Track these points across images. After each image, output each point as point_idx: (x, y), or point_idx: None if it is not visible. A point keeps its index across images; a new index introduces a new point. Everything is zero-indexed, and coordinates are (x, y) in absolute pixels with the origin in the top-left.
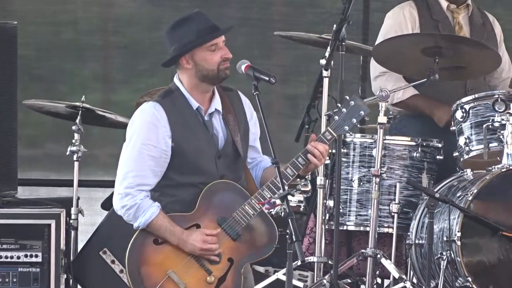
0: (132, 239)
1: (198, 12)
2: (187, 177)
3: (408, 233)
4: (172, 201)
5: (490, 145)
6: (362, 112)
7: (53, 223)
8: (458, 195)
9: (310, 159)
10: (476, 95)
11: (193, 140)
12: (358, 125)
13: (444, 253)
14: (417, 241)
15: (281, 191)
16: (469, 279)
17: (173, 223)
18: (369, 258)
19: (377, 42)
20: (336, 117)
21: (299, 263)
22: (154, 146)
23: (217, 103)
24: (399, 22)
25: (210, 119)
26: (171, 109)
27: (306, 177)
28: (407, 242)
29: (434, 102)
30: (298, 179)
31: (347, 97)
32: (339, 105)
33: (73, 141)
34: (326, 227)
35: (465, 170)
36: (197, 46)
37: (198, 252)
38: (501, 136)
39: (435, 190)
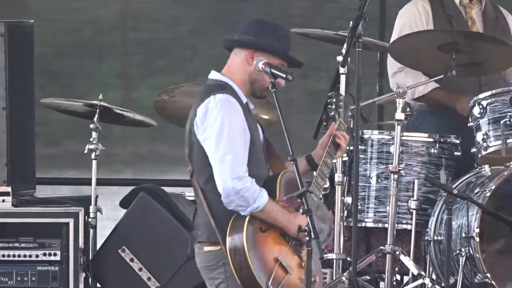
0: (244, 231)
1: (288, 30)
2: (252, 169)
3: (427, 230)
4: None
5: (508, 141)
6: (352, 106)
7: (71, 221)
8: (476, 191)
9: (339, 142)
10: (493, 91)
11: (253, 132)
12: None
13: (463, 249)
14: (435, 238)
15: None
16: (488, 275)
17: (281, 207)
18: (388, 254)
19: (392, 39)
20: (341, 110)
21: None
22: (244, 134)
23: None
24: (414, 17)
25: (251, 114)
26: (237, 100)
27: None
28: (426, 238)
29: (455, 93)
30: (326, 169)
31: (333, 93)
32: (335, 100)
33: (91, 139)
34: (345, 224)
35: (483, 166)
36: (274, 55)
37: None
38: None
39: (453, 186)
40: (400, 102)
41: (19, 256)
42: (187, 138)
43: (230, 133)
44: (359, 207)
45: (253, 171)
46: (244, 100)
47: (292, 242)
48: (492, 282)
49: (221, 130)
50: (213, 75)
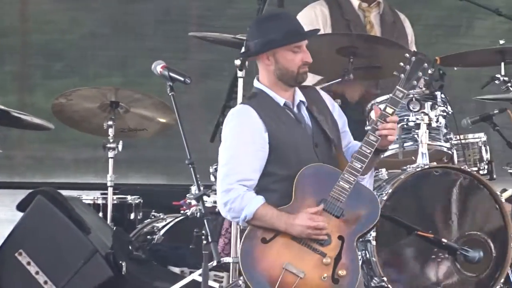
0: (241, 244)
1: (285, 12)
2: (290, 170)
3: None
4: (278, 196)
5: (405, 144)
6: (426, 64)
7: None
8: None
9: (380, 133)
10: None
11: (288, 134)
12: (426, 77)
13: (360, 253)
14: None
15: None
16: (384, 279)
17: (278, 210)
18: None
19: None
20: (402, 75)
21: (215, 263)
22: (249, 143)
23: (300, 95)
24: (311, 21)
25: (299, 111)
26: (259, 107)
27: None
28: None
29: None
30: (367, 149)
31: (407, 55)
32: (402, 63)
33: None
34: (241, 227)
35: (380, 169)
36: (282, 46)
37: (307, 231)
38: (416, 136)
39: None
40: None
41: None
42: None
43: (230, 146)
44: None
45: (281, 171)
46: (282, 101)
47: (305, 243)
48: (389, 285)
49: (224, 143)
50: (255, 82)
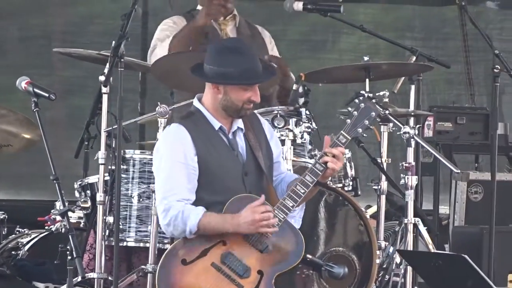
0: (160, 262)
1: (248, 47)
2: (217, 196)
3: None
4: None
5: None
6: (373, 114)
7: None
8: None
9: (327, 163)
10: (256, 111)
11: (218, 159)
12: (371, 127)
13: None
14: None
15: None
16: None
17: (221, 214)
18: (149, 274)
19: (149, 52)
20: (348, 121)
21: (80, 279)
22: (183, 163)
23: (239, 122)
24: (169, 28)
25: (234, 137)
26: (193, 128)
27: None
28: None
29: None
30: (301, 189)
31: (357, 100)
32: (350, 108)
33: None
34: (106, 243)
35: None
36: (236, 85)
37: (256, 225)
38: None
39: None
40: (162, 122)
41: None
42: None
43: (165, 167)
44: (121, 227)
45: (206, 197)
46: (217, 125)
47: (224, 272)
48: None
49: (158, 163)
50: (194, 101)
